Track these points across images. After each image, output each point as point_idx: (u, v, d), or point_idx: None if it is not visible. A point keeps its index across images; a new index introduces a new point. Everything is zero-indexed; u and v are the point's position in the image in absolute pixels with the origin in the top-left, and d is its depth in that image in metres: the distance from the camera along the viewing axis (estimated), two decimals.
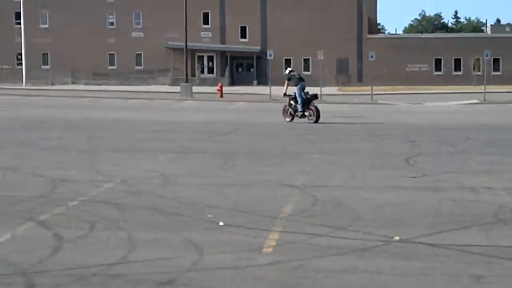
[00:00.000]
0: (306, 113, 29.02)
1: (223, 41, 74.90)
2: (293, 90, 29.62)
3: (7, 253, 8.32)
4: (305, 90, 29.26)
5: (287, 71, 31.63)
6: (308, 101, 29.20)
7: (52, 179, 13.81)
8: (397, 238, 9.05)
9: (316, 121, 28.60)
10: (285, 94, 30.12)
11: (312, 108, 29.08)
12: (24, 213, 10.58)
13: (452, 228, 9.67)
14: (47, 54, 75.44)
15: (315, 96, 29.78)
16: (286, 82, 30.48)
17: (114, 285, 7.14)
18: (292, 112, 29.43)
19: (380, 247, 8.69)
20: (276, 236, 9.21)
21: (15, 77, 70.56)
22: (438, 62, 73.58)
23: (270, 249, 8.59)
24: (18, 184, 13.49)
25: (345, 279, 7.38)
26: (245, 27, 74.26)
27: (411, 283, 7.29)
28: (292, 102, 29.43)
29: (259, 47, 73.30)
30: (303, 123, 28.09)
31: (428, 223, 10.01)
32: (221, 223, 9.89)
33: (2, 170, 15.15)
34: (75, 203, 11.44)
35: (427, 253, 8.44)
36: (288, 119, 29.48)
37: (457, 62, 73.23)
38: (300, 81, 29.45)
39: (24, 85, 66.72)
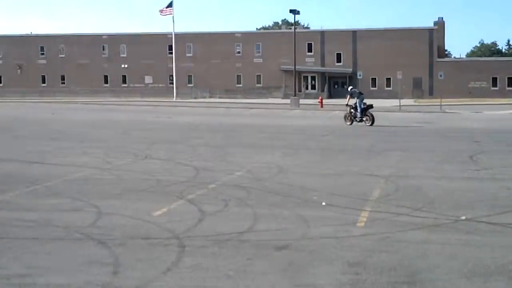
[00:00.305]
0: (364, 118, 29.20)
1: (323, 65, 74.47)
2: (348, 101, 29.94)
3: (165, 222, 8.56)
4: (364, 101, 29.34)
5: (349, 88, 31.83)
6: (366, 109, 29.33)
7: (196, 168, 14.12)
8: (463, 217, 8.75)
9: (371, 124, 28.55)
10: (347, 105, 30.34)
11: (368, 114, 29.29)
12: (176, 193, 10.83)
13: (508, 211, 9.27)
14: (191, 75, 77.20)
15: (370, 106, 29.74)
16: (348, 96, 30.34)
17: (243, 248, 7.22)
18: (352, 118, 29.57)
19: (450, 224, 8.43)
20: (366, 214, 9.09)
21: (167, 93, 72.74)
22: (494, 80, 70.68)
23: (362, 224, 8.48)
24: (171, 171, 13.80)
25: (421, 248, 7.20)
26: (340, 53, 73.56)
27: (474, 252, 7.03)
28: (352, 110, 29.68)
29: (351, 69, 72.54)
30: (381, 127, 27.63)
31: (488, 206, 9.63)
32: (323, 203, 9.84)
33: (159, 160, 15.62)
34: (213, 186, 11.63)
35: (487, 230, 8.14)
36: (348, 123, 29.57)
37: (510, 80, 70.24)
38: (360, 95, 29.74)
39: (174, 98, 68.44)
